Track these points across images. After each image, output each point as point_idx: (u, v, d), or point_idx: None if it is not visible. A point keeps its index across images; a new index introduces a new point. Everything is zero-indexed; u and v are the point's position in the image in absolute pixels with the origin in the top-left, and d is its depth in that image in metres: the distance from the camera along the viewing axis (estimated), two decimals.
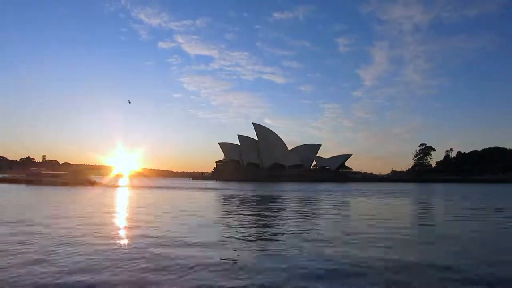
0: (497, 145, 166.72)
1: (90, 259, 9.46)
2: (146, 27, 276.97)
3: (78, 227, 15.19)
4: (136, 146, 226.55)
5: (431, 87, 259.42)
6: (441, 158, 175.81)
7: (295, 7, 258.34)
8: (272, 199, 37.61)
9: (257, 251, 10.87)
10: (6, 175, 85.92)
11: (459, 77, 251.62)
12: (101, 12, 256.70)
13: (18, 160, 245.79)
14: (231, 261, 9.45)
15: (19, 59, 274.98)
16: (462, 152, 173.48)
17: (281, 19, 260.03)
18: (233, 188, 65.69)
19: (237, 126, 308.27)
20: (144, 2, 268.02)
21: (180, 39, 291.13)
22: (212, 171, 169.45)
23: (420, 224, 19.38)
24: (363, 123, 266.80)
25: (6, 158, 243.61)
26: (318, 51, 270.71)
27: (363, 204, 32.43)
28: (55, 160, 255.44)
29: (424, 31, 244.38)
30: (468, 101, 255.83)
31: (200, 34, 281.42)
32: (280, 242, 12.49)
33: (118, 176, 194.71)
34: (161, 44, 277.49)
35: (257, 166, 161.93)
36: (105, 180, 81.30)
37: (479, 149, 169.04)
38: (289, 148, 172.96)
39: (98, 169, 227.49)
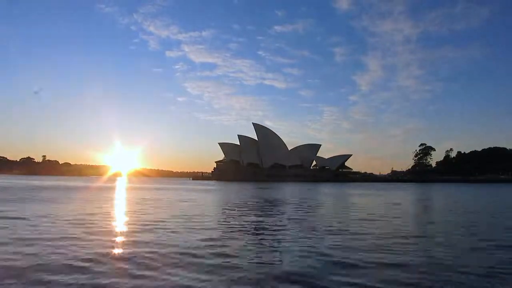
0: (496, 145, 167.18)
1: None
2: (155, 37, 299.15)
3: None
4: (137, 146, 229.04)
5: (425, 91, 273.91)
6: (441, 158, 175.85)
7: (295, 21, 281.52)
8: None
9: None
10: None
11: (451, 82, 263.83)
12: (114, 24, 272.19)
13: (18, 160, 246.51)
14: None
15: (21, 59, 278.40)
16: (462, 152, 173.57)
17: (282, 31, 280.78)
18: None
19: (238, 128, 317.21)
20: (154, 16, 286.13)
21: (186, 48, 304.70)
22: (212, 171, 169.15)
23: None
24: (361, 125, 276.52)
25: (6, 158, 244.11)
26: (316, 60, 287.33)
27: None
28: (55, 160, 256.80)
29: (414, 42, 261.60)
30: (463, 104, 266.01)
31: (205, 44, 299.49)
32: None
33: (116, 175, 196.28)
34: (169, 53, 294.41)
35: (257, 166, 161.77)
36: (103, 179, 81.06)
37: (479, 149, 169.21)
38: (289, 148, 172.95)
39: (97, 169, 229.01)
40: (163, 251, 9.78)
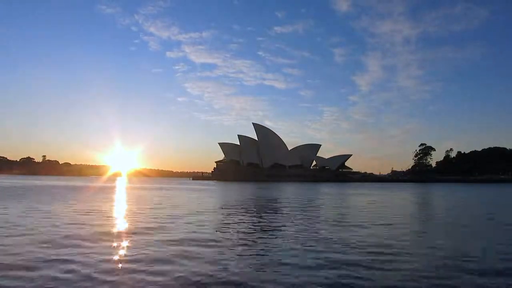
0: (496, 145, 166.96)
1: None
2: (156, 38, 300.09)
3: None
4: (137, 146, 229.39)
5: (425, 91, 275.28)
6: (441, 158, 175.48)
7: (294, 22, 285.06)
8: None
9: None
10: None
11: (451, 82, 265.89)
12: (115, 25, 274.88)
13: (18, 160, 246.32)
14: None
15: (21, 59, 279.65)
16: (462, 152, 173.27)
17: (282, 32, 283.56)
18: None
19: (238, 128, 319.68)
20: (155, 17, 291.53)
21: (187, 49, 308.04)
22: (212, 171, 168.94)
23: None
24: (361, 125, 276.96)
25: (6, 158, 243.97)
26: (316, 60, 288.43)
27: None
28: (55, 160, 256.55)
29: (414, 42, 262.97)
30: (463, 104, 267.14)
31: (206, 45, 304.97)
32: None
33: (116, 175, 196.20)
34: (169, 54, 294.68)
35: (257, 166, 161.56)
36: (102, 179, 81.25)
37: (479, 149, 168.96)
38: (289, 148, 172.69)
39: (97, 169, 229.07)
40: None
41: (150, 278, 7.53)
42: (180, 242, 11.39)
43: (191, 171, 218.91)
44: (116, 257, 9.38)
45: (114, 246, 10.79)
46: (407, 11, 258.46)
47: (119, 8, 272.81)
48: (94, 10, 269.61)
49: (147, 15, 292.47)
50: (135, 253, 9.69)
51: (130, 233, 13.22)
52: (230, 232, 13.96)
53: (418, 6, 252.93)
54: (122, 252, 10.08)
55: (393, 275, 7.99)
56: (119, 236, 12.73)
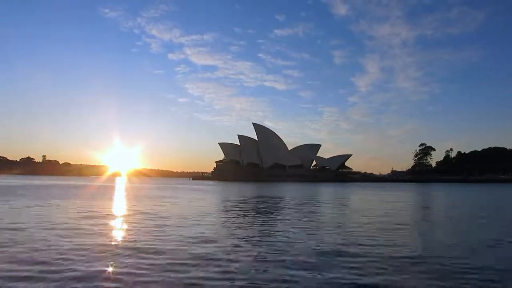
0: (496, 145, 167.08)
1: None
2: (158, 40, 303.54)
3: None
4: (137, 146, 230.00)
5: (423, 93, 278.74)
6: (441, 158, 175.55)
7: (295, 25, 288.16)
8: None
9: None
10: None
11: (449, 83, 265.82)
12: (117, 27, 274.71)
13: (18, 160, 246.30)
14: None
15: (22, 60, 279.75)
16: (462, 152, 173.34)
17: (282, 35, 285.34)
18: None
19: (239, 128, 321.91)
20: (157, 20, 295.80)
21: (188, 51, 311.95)
22: (212, 171, 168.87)
23: None
24: (360, 125, 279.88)
25: (6, 158, 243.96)
26: (316, 62, 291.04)
27: None
28: (55, 160, 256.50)
29: (411, 45, 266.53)
30: (461, 104, 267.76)
31: (207, 47, 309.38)
32: None
33: (116, 175, 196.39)
34: (171, 56, 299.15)
35: (257, 166, 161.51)
36: (102, 179, 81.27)
37: (479, 149, 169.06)
38: (289, 148, 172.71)
39: (97, 169, 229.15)
40: None
41: None
42: None
43: (191, 171, 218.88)
44: None
45: None
46: (404, 14, 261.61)
47: (121, 11, 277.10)
48: (97, 12, 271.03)
49: (149, 18, 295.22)
50: None
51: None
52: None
53: (415, 10, 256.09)
54: None
55: None
56: None
